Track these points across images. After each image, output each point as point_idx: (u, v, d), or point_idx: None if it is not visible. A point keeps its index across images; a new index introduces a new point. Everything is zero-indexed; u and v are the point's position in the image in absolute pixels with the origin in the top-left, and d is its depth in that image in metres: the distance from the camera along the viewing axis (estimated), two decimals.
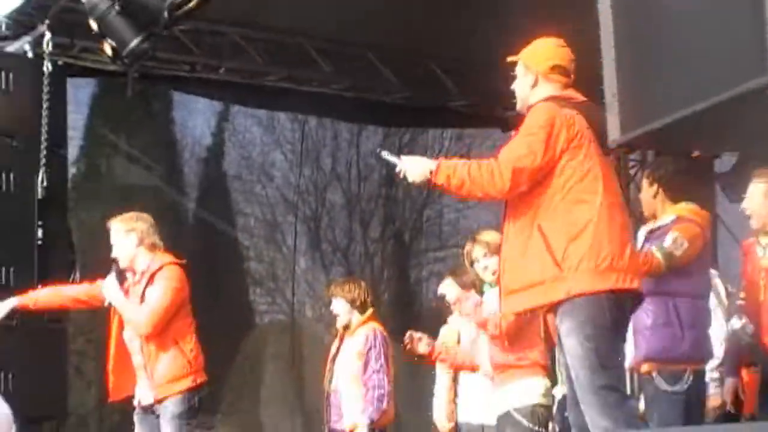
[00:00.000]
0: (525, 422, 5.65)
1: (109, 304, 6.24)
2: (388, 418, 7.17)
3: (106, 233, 6.46)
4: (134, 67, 7.60)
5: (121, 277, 6.18)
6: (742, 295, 5.52)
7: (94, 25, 6.97)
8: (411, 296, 18.66)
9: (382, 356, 7.07)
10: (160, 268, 6.11)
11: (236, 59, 8.44)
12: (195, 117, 17.89)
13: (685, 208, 5.37)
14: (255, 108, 13.15)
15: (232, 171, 18.35)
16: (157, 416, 6.12)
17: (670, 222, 5.28)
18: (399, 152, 16.88)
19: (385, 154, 4.59)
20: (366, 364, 7.04)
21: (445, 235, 19.17)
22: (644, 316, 5.04)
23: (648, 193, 5.46)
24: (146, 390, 6.15)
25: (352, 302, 7.16)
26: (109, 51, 7.14)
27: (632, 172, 9.72)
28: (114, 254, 6.24)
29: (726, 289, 6.37)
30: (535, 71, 4.51)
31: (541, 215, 4.20)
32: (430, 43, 8.62)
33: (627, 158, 9.64)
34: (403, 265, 19.30)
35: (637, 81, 2.91)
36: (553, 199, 4.21)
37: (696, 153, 5.18)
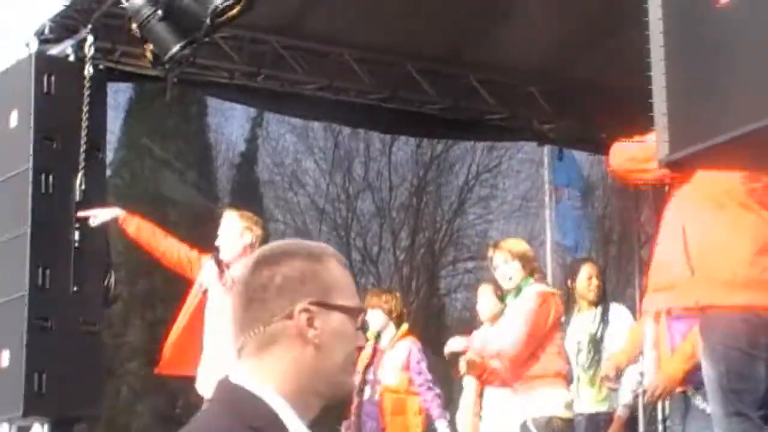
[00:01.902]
0: None
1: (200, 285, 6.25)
2: None
3: None
4: (174, 72, 7.61)
5: (219, 266, 6.07)
6: None
7: (136, 30, 7.01)
8: (440, 306, 18.69)
9: (426, 368, 7.21)
10: None
11: (276, 67, 8.44)
12: (229, 123, 18.03)
13: None
14: (291, 116, 13.18)
15: (265, 177, 18.46)
16: None
17: None
18: (430, 163, 16.79)
19: None
20: (419, 375, 7.16)
21: (475, 246, 19.19)
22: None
23: None
24: None
25: (389, 313, 7.23)
26: (150, 56, 7.19)
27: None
28: (219, 243, 6.20)
29: None
30: None
31: (688, 217, 4.08)
32: (469, 55, 8.62)
33: None
34: (433, 275, 19.32)
35: (687, 100, 2.90)
36: (703, 204, 4.09)
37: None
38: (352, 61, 8.59)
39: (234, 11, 6.53)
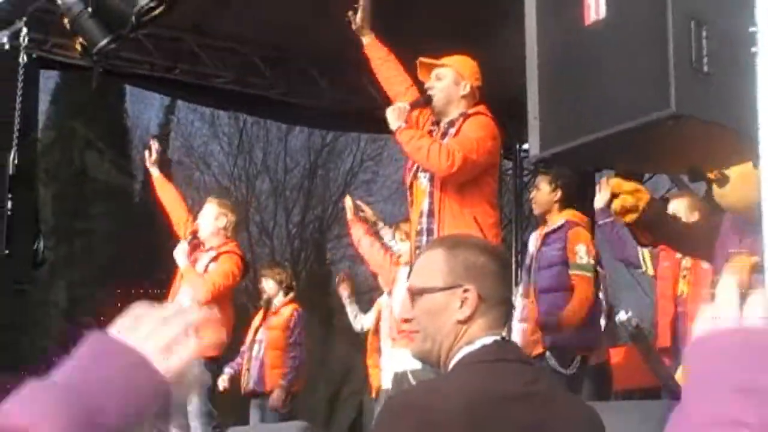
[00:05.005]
0: None
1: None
2: (300, 385, 7.32)
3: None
4: (101, 63, 7.47)
5: (193, 243, 6.24)
6: None
7: (67, 24, 6.84)
8: (326, 275, 18.68)
9: (303, 334, 7.23)
10: (229, 252, 6.23)
11: (190, 62, 8.34)
12: (145, 110, 17.71)
13: (571, 212, 5.44)
14: (202, 106, 13.05)
15: (175, 158, 18.18)
16: None
17: (563, 224, 5.33)
18: (321, 150, 16.74)
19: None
20: (289, 338, 7.17)
21: None
22: (542, 308, 5.12)
23: (549, 195, 5.49)
24: None
25: (279, 283, 7.31)
26: (79, 48, 7.02)
27: (526, 179, 9.80)
28: (198, 223, 6.27)
29: None
30: (470, 83, 4.46)
31: (475, 210, 4.22)
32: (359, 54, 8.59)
33: (522, 167, 9.77)
34: (320, 247, 19.29)
35: (557, 106, 2.96)
36: (484, 203, 4.27)
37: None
38: (257, 59, 8.54)
39: (157, 11, 6.42)
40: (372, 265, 6.27)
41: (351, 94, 9.00)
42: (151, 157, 6.76)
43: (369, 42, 4.80)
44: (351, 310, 7.32)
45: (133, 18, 6.47)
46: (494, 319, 2.03)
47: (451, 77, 4.46)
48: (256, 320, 7.50)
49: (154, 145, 6.88)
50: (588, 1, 2.70)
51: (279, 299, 7.35)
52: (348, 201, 6.57)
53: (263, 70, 8.63)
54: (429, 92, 4.48)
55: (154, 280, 11.25)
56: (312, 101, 9.11)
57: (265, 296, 7.45)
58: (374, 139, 17.65)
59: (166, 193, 6.67)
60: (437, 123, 4.51)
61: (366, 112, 9.29)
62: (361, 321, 7.26)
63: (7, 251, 6.94)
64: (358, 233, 6.31)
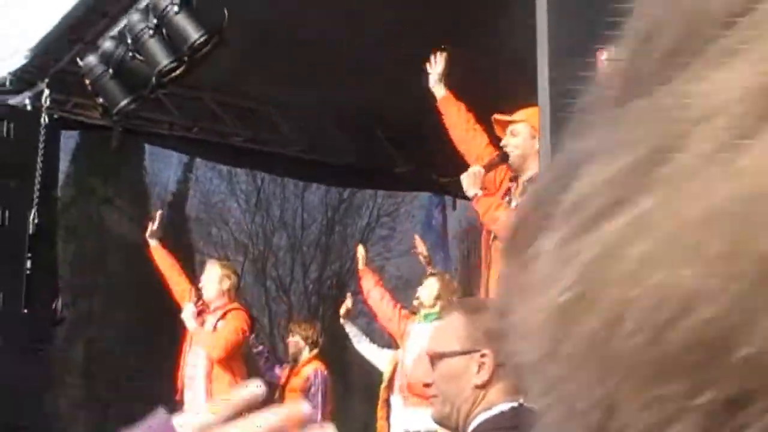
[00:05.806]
0: None
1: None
2: None
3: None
4: (121, 123, 7.54)
5: (199, 308, 6.36)
6: None
7: (89, 85, 6.92)
8: (343, 331, 18.60)
9: (319, 394, 7.05)
10: (235, 309, 6.34)
11: (209, 121, 8.39)
12: (164, 167, 17.81)
13: None
14: (220, 164, 13.11)
15: (193, 215, 18.23)
16: None
17: None
18: (338, 206, 16.73)
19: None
20: (308, 402, 7.02)
21: None
22: None
23: None
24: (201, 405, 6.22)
25: (305, 339, 7.22)
26: (100, 108, 7.10)
27: None
28: (202, 285, 6.37)
29: None
30: None
31: None
32: (378, 114, 8.63)
33: None
34: (338, 303, 19.15)
35: None
36: None
37: None
38: (277, 117, 8.58)
39: (177, 72, 6.49)
40: (380, 317, 6.21)
41: (368, 151, 9.02)
42: (152, 228, 6.88)
43: (444, 96, 4.75)
44: (352, 332, 7.20)
45: (154, 78, 6.55)
46: (512, 384, 2.01)
47: (527, 132, 4.31)
48: (282, 378, 7.43)
49: (158, 217, 7.00)
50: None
51: (304, 355, 7.25)
52: (360, 250, 6.58)
53: (281, 127, 8.68)
54: (504, 149, 4.40)
55: (174, 337, 11.25)
56: (329, 158, 9.13)
57: (291, 353, 7.38)
58: (390, 195, 17.68)
59: (165, 263, 6.86)
60: (515, 179, 4.43)
61: (382, 169, 9.33)
62: (370, 349, 6.99)
63: (25, 310, 6.96)
64: (368, 284, 6.27)
